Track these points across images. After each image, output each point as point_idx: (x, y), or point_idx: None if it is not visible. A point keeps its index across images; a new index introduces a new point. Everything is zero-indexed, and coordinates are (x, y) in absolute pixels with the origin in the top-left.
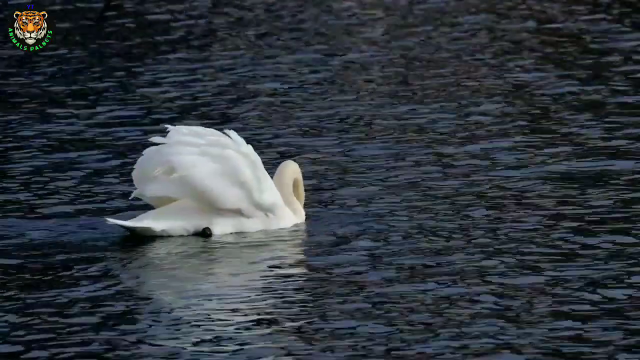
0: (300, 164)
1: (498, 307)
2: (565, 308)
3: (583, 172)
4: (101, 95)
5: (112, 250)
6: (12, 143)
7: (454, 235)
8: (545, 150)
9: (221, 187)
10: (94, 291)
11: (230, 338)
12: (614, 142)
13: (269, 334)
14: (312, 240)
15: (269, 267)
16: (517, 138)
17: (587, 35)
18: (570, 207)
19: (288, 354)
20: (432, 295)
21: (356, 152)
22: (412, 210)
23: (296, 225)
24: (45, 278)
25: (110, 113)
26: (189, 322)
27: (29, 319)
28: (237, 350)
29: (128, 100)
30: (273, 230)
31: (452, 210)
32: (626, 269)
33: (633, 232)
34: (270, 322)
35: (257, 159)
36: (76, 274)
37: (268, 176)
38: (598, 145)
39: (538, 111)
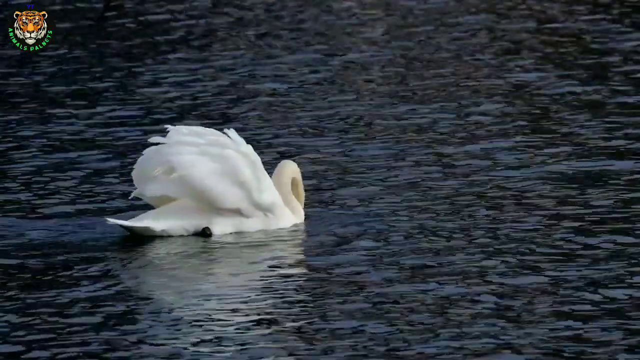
0: (300, 164)
1: (498, 307)
2: (565, 308)
3: (583, 172)
4: (101, 95)
5: (112, 250)
6: (12, 143)
7: (454, 236)
8: (545, 150)
9: (221, 187)
10: (94, 291)
11: (230, 338)
12: (614, 142)
13: (269, 334)
14: (312, 240)
15: (269, 267)
16: (517, 138)
17: (587, 35)
18: (571, 207)
19: (288, 354)
20: (433, 295)
21: (356, 152)
22: (413, 210)
23: (296, 225)
24: (45, 278)
25: (110, 113)
26: (189, 322)
27: (29, 319)
28: (237, 350)
29: (128, 100)
30: (273, 230)
31: (452, 211)
32: (626, 269)
33: (633, 232)
34: (271, 322)
35: (257, 158)
36: (76, 274)
37: (267, 176)
38: (598, 145)
39: (538, 111)
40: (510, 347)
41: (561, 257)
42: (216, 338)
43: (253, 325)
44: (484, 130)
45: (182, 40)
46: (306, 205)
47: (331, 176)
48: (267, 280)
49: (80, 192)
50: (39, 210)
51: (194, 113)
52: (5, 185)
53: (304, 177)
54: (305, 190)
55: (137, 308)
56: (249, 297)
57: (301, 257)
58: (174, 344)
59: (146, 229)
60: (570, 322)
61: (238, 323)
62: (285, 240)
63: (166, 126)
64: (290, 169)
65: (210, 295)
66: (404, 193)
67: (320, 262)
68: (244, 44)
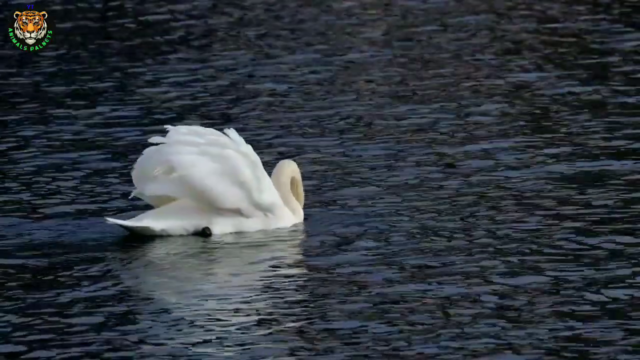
0: (300, 164)
1: (499, 308)
2: (566, 308)
3: (583, 172)
4: (101, 95)
5: (112, 250)
6: (12, 143)
7: (454, 236)
8: (545, 150)
9: (221, 187)
10: (94, 291)
11: (231, 338)
12: (614, 142)
13: (269, 334)
14: (313, 240)
15: (269, 267)
16: (517, 138)
17: (587, 35)
18: (571, 207)
19: (288, 354)
20: (433, 295)
21: (356, 152)
22: (413, 211)
23: (296, 225)
24: (45, 278)
25: (110, 113)
26: (189, 322)
27: (29, 319)
28: (237, 350)
29: (128, 100)
30: (273, 230)
31: (453, 211)
32: (627, 269)
33: (633, 232)
34: (271, 322)
35: (257, 158)
36: (76, 274)
37: (267, 176)
38: (598, 145)
39: (538, 111)
40: (510, 347)
41: (561, 257)
42: (216, 338)
43: (253, 325)
44: (484, 130)
45: (182, 40)
46: (306, 205)
47: (331, 176)
48: (267, 280)
49: (80, 192)
50: (39, 210)
51: (194, 113)
52: (6, 185)
53: (304, 177)
54: (306, 190)
55: (137, 308)
56: (249, 297)
57: (301, 257)
58: (174, 344)
59: (146, 228)
60: (570, 322)
61: (238, 323)
62: (285, 240)
63: (166, 126)
64: (289, 169)
65: (210, 295)
66: (404, 193)
67: (320, 262)
68: (244, 44)
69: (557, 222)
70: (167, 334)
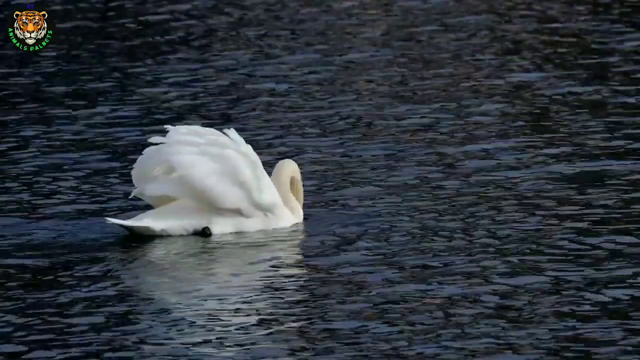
0: (300, 164)
1: (499, 308)
2: (566, 308)
3: (583, 172)
4: (101, 95)
5: (112, 250)
6: (12, 143)
7: (454, 236)
8: (545, 150)
9: (221, 187)
10: (94, 291)
11: (231, 338)
12: (614, 142)
13: (269, 334)
14: (313, 240)
15: (269, 267)
16: (517, 138)
17: (587, 35)
18: (571, 207)
19: (288, 354)
20: (433, 295)
21: (356, 152)
22: (413, 211)
23: (296, 225)
24: (45, 278)
25: (110, 113)
26: (189, 322)
27: (29, 319)
28: (237, 350)
29: (128, 100)
30: (273, 230)
31: (453, 211)
32: (627, 269)
33: (633, 232)
34: (271, 322)
35: (257, 158)
36: (76, 274)
37: (267, 176)
38: (598, 145)
39: (538, 111)
40: (511, 347)
41: (562, 257)
42: (216, 338)
43: (253, 325)
44: (484, 130)
45: (182, 40)
46: (306, 205)
47: (331, 176)
48: (267, 280)
49: (80, 192)
50: (39, 210)
51: (194, 113)
52: (6, 185)
53: (304, 177)
54: (306, 190)
55: (137, 308)
56: (249, 297)
57: (301, 257)
58: (174, 344)
59: (146, 228)
60: (571, 322)
61: (238, 323)
62: (285, 240)
63: (166, 126)
64: (289, 168)
65: (210, 295)
66: (404, 193)
67: (320, 262)
68: (244, 44)
69: (557, 222)
70: (167, 334)
